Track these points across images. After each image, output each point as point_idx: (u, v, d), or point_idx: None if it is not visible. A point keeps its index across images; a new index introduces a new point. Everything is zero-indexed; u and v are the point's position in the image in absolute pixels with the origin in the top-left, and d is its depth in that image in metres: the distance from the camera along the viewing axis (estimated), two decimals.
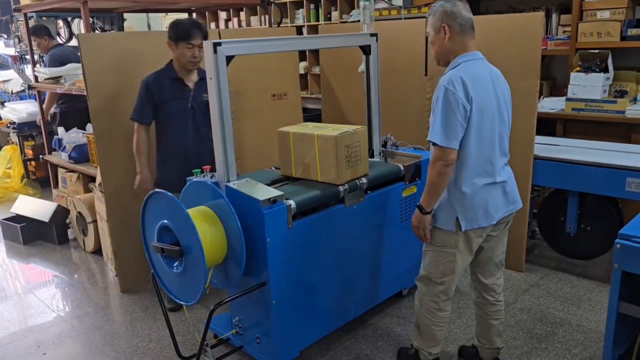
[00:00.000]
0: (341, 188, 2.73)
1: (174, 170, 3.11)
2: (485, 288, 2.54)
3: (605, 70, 3.91)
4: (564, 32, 4.28)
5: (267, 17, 6.38)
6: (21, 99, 6.89)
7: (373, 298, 3.12)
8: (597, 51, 3.98)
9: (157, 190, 2.45)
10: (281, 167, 2.90)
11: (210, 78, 2.40)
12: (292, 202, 2.51)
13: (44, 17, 5.75)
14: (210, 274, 2.51)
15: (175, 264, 2.46)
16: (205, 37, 3.04)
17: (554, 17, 4.39)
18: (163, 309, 2.72)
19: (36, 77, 4.95)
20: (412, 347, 2.65)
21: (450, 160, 2.14)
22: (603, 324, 2.91)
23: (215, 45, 2.36)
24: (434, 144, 2.15)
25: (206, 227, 2.41)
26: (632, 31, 3.84)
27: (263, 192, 2.46)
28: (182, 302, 2.52)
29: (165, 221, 2.41)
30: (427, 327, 2.49)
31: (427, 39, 2.40)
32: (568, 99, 4.03)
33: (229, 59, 2.43)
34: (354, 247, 2.88)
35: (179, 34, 3.02)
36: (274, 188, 2.60)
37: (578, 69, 4.01)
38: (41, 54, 5.46)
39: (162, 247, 2.41)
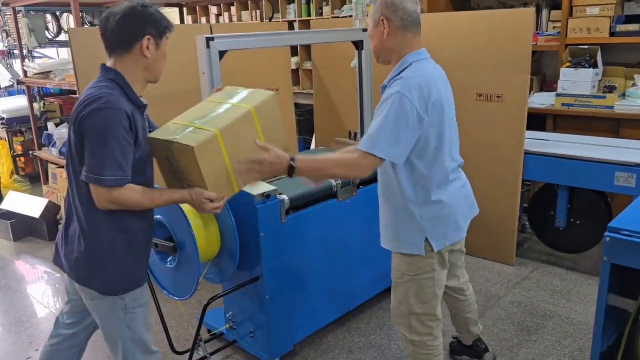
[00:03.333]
0: (334, 182, 2.75)
1: (147, 255, 2.03)
2: (452, 289, 2.44)
3: (595, 65, 3.95)
4: (554, 27, 4.31)
5: (258, 11, 6.37)
6: (9, 94, 6.82)
7: (366, 292, 3.14)
8: (586, 47, 4.01)
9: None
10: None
11: (204, 73, 2.40)
12: (285, 197, 2.52)
13: (31, 12, 5.70)
14: (206, 269, 2.51)
15: (168, 259, 2.46)
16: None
17: (544, 12, 4.42)
18: (156, 304, 2.72)
19: (25, 72, 4.90)
20: None
21: (371, 170, 1.89)
22: (592, 316, 2.95)
23: (208, 39, 2.36)
24: (369, 155, 1.82)
25: (200, 222, 2.41)
26: (621, 27, 3.88)
27: (256, 187, 2.47)
28: (175, 298, 2.52)
29: (158, 216, 2.41)
30: None
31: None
32: (558, 94, 4.06)
33: (222, 53, 2.43)
34: (346, 241, 2.90)
35: (167, 24, 1.88)
36: (267, 183, 2.61)
37: (568, 64, 4.04)
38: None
39: (156, 242, 2.41)
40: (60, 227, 1.97)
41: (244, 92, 2.10)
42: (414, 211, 2.00)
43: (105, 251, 1.83)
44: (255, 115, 1.96)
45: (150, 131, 1.95)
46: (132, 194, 1.77)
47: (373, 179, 3.00)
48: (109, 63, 1.83)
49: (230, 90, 2.15)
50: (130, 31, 1.78)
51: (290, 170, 1.87)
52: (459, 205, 2.08)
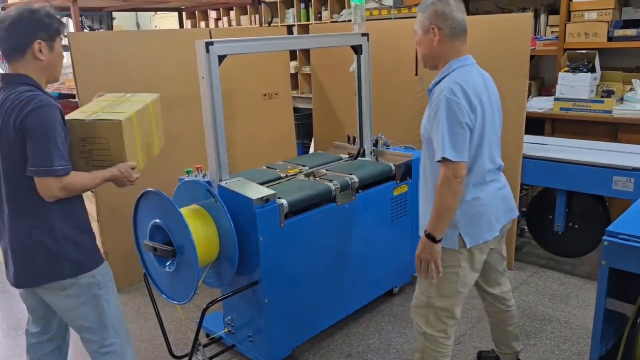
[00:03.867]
0: (332, 187, 2.75)
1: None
2: (495, 298, 2.43)
3: (593, 70, 3.96)
4: (552, 32, 4.33)
5: (257, 16, 6.38)
6: None
7: (365, 296, 3.14)
8: (584, 51, 4.03)
9: (149, 189, 2.45)
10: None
11: (203, 77, 2.40)
12: (284, 201, 2.52)
13: None
14: (205, 273, 2.52)
15: (167, 263, 2.46)
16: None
17: (542, 17, 4.44)
18: (155, 308, 2.72)
19: None
20: None
21: (463, 176, 1.95)
22: (590, 320, 2.94)
23: (208, 44, 2.36)
24: (445, 160, 1.93)
25: (199, 226, 2.42)
26: (619, 32, 3.90)
27: (255, 191, 2.47)
28: (174, 302, 2.52)
29: (157, 220, 2.41)
30: None
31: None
32: (556, 99, 4.08)
33: (221, 58, 2.43)
34: (345, 245, 2.90)
35: (57, 26, 1.94)
36: (266, 187, 2.61)
37: (566, 69, 4.06)
38: None
39: (154, 246, 2.41)
40: (2, 244, 2.02)
41: (130, 94, 2.42)
42: None
43: (62, 239, 1.94)
44: (152, 108, 2.36)
45: None
46: (78, 178, 1.91)
47: (371, 184, 3.01)
48: (10, 70, 1.91)
49: (115, 94, 2.42)
50: (19, 37, 1.86)
51: (433, 239, 2.00)
52: (494, 205, 2.12)
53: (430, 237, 2.00)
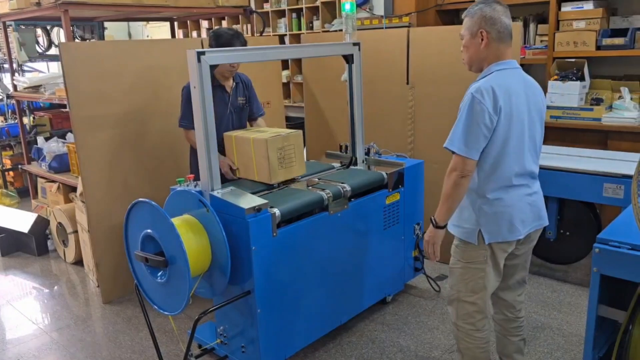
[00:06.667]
0: (325, 195, 2.75)
1: None
2: (504, 304, 2.42)
3: (582, 78, 4.00)
4: (542, 41, 4.38)
5: (249, 26, 6.40)
6: None
7: (357, 305, 3.13)
8: (573, 60, 4.07)
9: (141, 199, 2.44)
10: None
11: (195, 87, 2.40)
12: (276, 210, 2.52)
13: (22, 26, 5.69)
14: (197, 283, 2.50)
15: (159, 274, 2.44)
16: (245, 45, 3.04)
17: (532, 26, 4.49)
18: (147, 319, 2.69)
19: (15, 86, 4.89)
20: None
21: (467, 172, 2.03)
22: (583, 327, 2.95)
23: (199, 54, 2.37)
24: (455, 154, 2.04)
25: (191, 236, 2.41)
26: (607, 41, 3.94)
27: (247, 201, 2.47)
28: (166, 313, 2.50)
29: (149, 230, 2.39)
30: (468, 351, 2.31)
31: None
32: (546, 107, 4.10)
33: (213, 68, 2.44)
34: (338, 254, 2.89)
35: (221, 44, 3.00)
36: (258, 196, 2.61)
37: (555, 77, 4.10)
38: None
39: (146, 256, 2.40)
40: None
41: (276, 129, 3.10)
42: (474, 202, 2.15)
43: None
44: (271, 143, 2.75)
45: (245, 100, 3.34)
46: (192, 136, 2.97)
47: (363, 193, 3.01)
48: None
49: (265, 128, 3.28)
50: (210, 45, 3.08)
51: (437, 224, 2.14)
52: (519, 208, 2.15)
53: (432, 221, 2.14)
